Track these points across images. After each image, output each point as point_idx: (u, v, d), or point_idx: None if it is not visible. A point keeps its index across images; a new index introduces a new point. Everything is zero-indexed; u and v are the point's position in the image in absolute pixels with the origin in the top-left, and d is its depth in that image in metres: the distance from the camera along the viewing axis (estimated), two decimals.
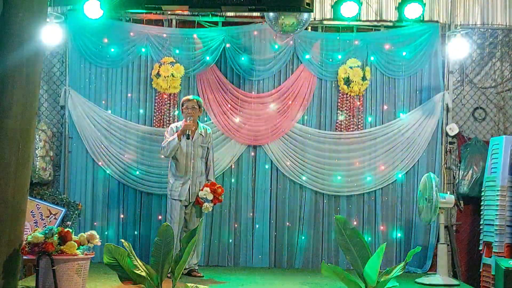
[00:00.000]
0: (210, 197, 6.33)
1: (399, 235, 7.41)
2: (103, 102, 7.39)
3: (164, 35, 7.40)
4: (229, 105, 7.39)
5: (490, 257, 6.42)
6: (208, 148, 6.57)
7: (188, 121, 6.35)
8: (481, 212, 6.80)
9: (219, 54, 7.38)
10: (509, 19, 7.59)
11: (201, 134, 6.50)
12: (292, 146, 7.42)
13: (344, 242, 4.54)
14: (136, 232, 7.34)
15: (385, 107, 7.51)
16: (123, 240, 4.75)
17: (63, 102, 7.30)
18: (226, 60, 7.42)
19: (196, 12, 7.31)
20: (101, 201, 7.33)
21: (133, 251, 4.50)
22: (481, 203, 6.83)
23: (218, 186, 6.43)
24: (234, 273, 6.76)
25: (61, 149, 7.36)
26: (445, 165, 7.47)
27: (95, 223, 7.28)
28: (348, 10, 7.22)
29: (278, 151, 7.40)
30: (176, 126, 6.52)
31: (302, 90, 7.43)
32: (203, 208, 6.36)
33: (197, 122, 6.53)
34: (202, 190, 6.37)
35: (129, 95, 7.42)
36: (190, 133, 6.36)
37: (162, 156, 6.55)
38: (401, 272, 4.48)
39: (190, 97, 6.59)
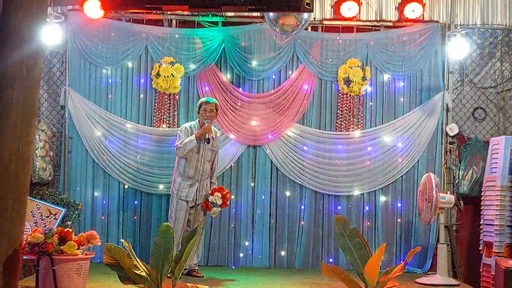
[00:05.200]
0: (220, 202, 6.36)
1: (399, 235, 7.42)
2: (103, 102, 7.39)
3: (164, 35, 7.39)
4: (229, 105, 7.39)
5: (490, 257, 6.41)
6: (216, 152, 6.58)
7: (207, 124, 6.33)
8: (481, 212, 6.79)
9: (219, 54, 7.37)
10: (509, 19, 7.59)
11: (212, 137, 6.49)
12: (292, 146, 7.42)
13: (344, 242, 4.53)
14: (136, 232, 7.34)
15: (385, 107, 7.51)
16: (123, 240, 4.74)
17: (63, 102, 7.30)
18: (226, 60, 7.42)
19: (196, 12, 7.31)
20: (101, 201, 7.33)
21: (133, 251, 4.49)
22: (481, 203, 6.83)
23: (226, 191, 6.46)
24: (234, 273, 6.76)
25: (61, 149, 7.35)
26: (445, 165, 7.47)
27: (95, 223, 7.27)
28: (348, 10, 7.25)
29: (278, 151, 7.40)
30: (190, 127, 6.49)
31: (302, 90, 7.43)
32: (211, 212, 6.39)
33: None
34: (212, 194, 6.38)
35: (129, 95, 7.42)
36: (209, 137, 6.35)
37: (177, 156, 6.48)
38: (401, 272, 4.47)
39: (209, 99, 6.57)
